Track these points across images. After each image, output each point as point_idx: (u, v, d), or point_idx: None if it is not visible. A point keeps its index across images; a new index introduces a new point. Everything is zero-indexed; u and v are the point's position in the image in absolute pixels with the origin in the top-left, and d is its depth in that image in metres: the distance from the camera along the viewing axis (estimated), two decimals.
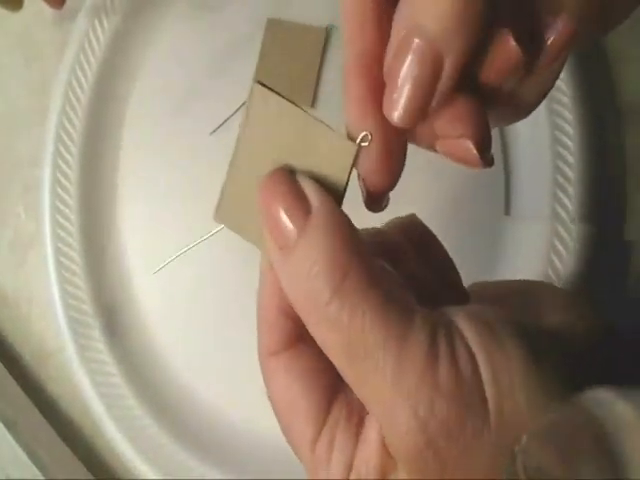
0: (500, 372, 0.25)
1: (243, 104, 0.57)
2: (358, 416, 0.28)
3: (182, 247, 0.57)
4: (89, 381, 0.55)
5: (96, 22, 0.58)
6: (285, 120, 0.29)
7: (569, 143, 0.52)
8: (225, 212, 0.31)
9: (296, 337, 0.30)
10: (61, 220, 0.57)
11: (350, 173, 0.28)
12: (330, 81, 0.57)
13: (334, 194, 0.28)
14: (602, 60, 0.56)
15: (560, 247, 0.51)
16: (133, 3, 0.59)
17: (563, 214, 0.52)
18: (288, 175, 0.28)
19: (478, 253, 0.54)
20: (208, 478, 0.54)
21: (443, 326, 0.26)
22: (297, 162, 0.29)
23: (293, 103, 0.29)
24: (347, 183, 0.29)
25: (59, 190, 0.57)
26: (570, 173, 0.52)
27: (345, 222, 0.27)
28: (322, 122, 0.29)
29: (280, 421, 0.31)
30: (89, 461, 0.58)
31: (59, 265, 0.57)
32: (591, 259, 0.52)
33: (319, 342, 0.27)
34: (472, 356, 0.25)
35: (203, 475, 0.54)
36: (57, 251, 0.57)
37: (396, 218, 0.34)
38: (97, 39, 0.58)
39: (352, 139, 0.28)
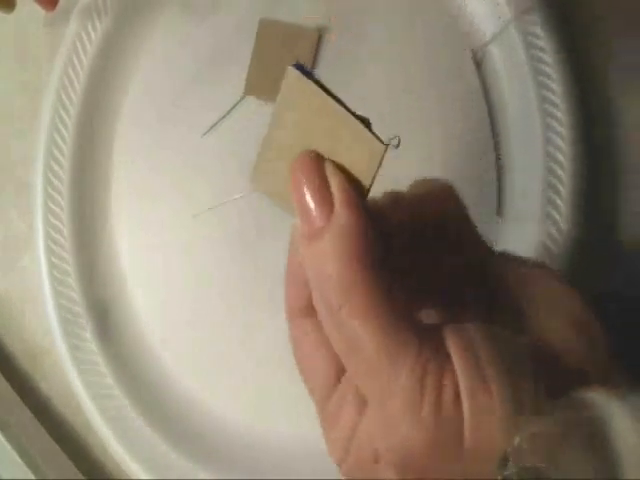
0: (482, 414, 0.26)
1: (234, 106, 0.57)
2: None
3: (175, 247, 0.57)
4: (81, 381, 0.55)
5: (88, 24, 0.58)
6: (317, 107, 0.29)
7: (561, 144, 0.52)
8: (260, 179, 0.31)
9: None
10: (53, 221, 0.57)
11: (376, 174, 0.29)
12: (322, 81, 0.57)
13: (358, 189, 0.29)
14: (595, 60, 0.56)
15: (552, 248, 0.51)
16: (124, 5, 0.59)
17: (555, 215, 0.52)
18: (317, 165, 0.29)
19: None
20: (200, 478, 0.54)
21: (435, 362, 0.27)
22: (325, 149, 0.30)
23: (327, 91, 0.29)
24: (372, 183, 0.29)
25: (51, 191, 0.57)
26: (562, 174, 0.52)
27: (361, 231, 0.28)
28: (353, 116, 0.29)
29: (301, 373, 0.33)
30: (81, 461, 0.58)
31: (51, 265, 0.57)
32: (583, 260, 0.52)
33: (325, 330, 0.29)
34: (457, 397, 0.26)
35: (195, 475, 0.54)
36: (49, 252, 0.57)
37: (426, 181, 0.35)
38: (89, 40, 0.58)
39: (380, 140, 0.29)
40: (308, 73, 0.29)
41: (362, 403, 0.29)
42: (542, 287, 0.33)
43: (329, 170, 0.29)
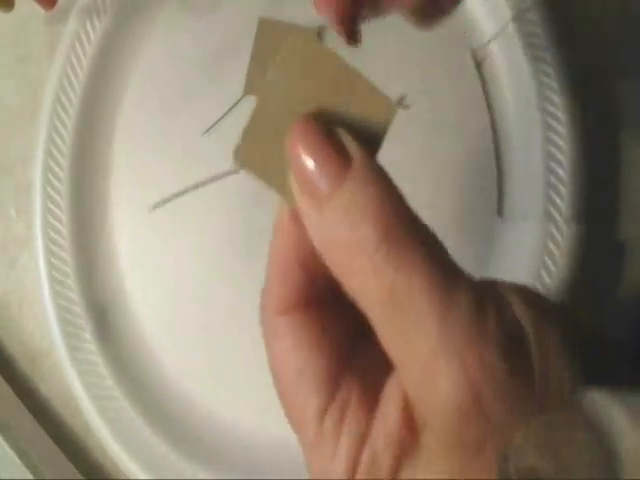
0: (545, 345, 0.24)
1: (233, 106, 0.57)
2: (370, 395, 0.26)
3: (174, 248, 0.57)
4: (80, 382, 0.55)
5: (87, 23, 0.58)
6: (320, 66, 0.27)
7: (561, 143, 0.52)
8: (246, 155, 0.28)
9: (309, 297, 0.28)
10: (52, 221, 0.57)
11: (385, 135, 0.27)
12: None
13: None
14: (596, 59, 0.56)
15: (552, 247, 0.51)
16: (124, 4, 0.59)
17: (555, 214, 0.52)
18: (324, 124, 0.26)
19: (471, 254, 0.54)
20: (200, 478, 0.54)
21: (491, 290, 0.25)
22: (328, 109, 0.27)
23: (331, 50, 0.27)
24: (381, 144, 0.27)
25: (50, 191, 0.57)
26: (562, 173, 0.52)
27: (387, 176, 0.25)
28: (361, 74, 0.27)
29: (281, 389, 0.29)
30: (80, 462, 0.58)
31: (50, 266, 0.57)
32: (584, 259, 0.52)
33: (355, 291, 0.25)
34: (520, 324, 0.24)
35: (195, 476, 0.54)
36: (48, 252, 0.57)
37: None
38: (88, 39, 0.58)
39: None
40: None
41: (372, 401, 0.26)
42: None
43: (338, 127, 0.26)
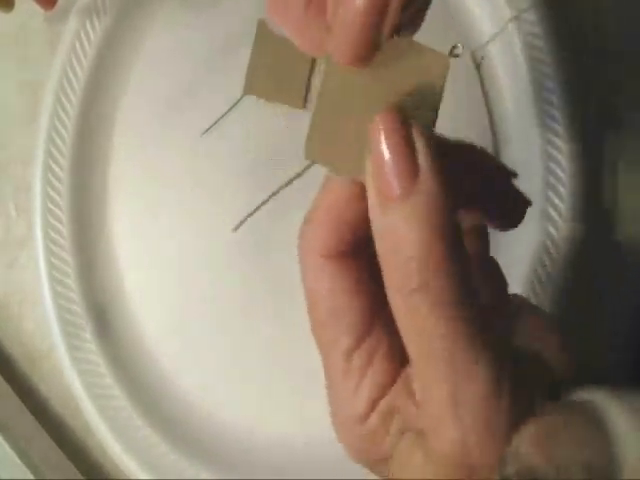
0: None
1: (233, 106, 0.57)
2: (397, 353, 0.28)
3: (173, 248, 0.57)
4: (80, 382, 0.55)
5: (87, 22, 0.58)
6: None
7: (560, 143, 0.52)
8: (315, 148, 0.29)
9: (351, 247, 0.29)
10: (52, 221, 0.57)
11: (444, 86, 0.28)
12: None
13: (428, 111, 0.28)
14: (595, 60, 0.56)
15: (551, 247, 0.51)
16: (124, 3, 0.58)
17: (554, 214, 0.52)
18: (402, 123, 0.27)
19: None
20: (200, 478, 0.54)
21: (509, 357, 0.26)
22: (389, 89, 0.28)
23: None
24: (441, 98, 0.28)
25: (50, 191, 0.57)
26: (561, 174, 0.52)
27: (448, 203, 0.26)
28: (412, 40, 0.28)
29: (316, 321, 0.30)
30: (80, 461, 0.58)
31: (50, 266, 0.57)
32: (583, 259, 0.52)
33: (390, 287, 0.26)
34: (530, 394, 0.25)
35: (194, 475, 0.54)
36: (48, 252, 0.57)
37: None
38: (88, 39, 0.58)
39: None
40: None
41: (397, 360, 0.28)
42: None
43: (415, 131, 0.27)
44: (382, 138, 0.26)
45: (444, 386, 0.25)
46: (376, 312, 0.29)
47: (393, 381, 0.28)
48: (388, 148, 0.26)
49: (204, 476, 0.54)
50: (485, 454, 0.25)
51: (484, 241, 0.33)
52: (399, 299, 0.26)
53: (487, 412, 0.25)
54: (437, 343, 0.25)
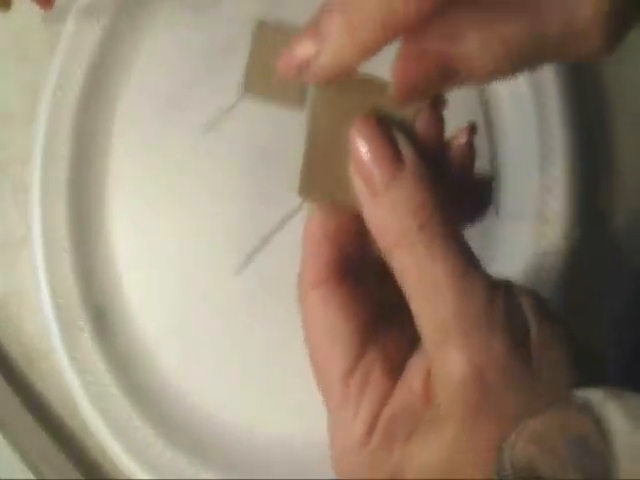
0: (546, 339, 0.28)
1: (233, 105, 0.57)
2: (395, 362, 0.31)
3: (172, 248, 0.57)
4: (79, 382, 0.55)
5: (86, 22, 0.58)
6: (350, 86, 0.31)
7: (556, 144, 0.52)
8: (308, 186, 0.32)
9: (341, 272, 0.32)
10: (51, 221, 0.57)
11: (416, 112, 0.31)
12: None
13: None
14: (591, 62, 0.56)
15: (547, 248, 0.52)
16: (123, 3, 0.58)
17: (550, 215, 0.52)
18: (381, 122, 0.30)
19: None
20: (199, 478, 0.54)
21: (504, 286, 0.29)
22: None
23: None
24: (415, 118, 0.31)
25: (49, 190, 0.57)
26: (557, 174, 0.52)
27: (431, 175, 0.30)
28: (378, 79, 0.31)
29: (312, 351, 0.33)
30: (79, 461, 0.58)
31: (49, 265, 0.57)
32: (577, 260, 0.52)
33: (394, 261, 0.29)
34: (524, 317, 0.28)
35: (194, 475, 0.54)
36: (47, 251, 0.57)
37: None
38: (87, 39, 0.58)
39: None
40: None
41: (391, 373, 0.30)
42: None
43: (392, 124, 0.30)
44: (365, 134, 0.30)
45: (447, 308, 0.28)
46: (369, 333, 0.31)
47: (391, 392, 0.30)
48: (368, 141, 0.30)
49: (204, 476, 0.54)
50: (493, 365, 0.27)
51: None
52: (401, 252, 0.29)
53: (485, 323, 0.28)
54: (435, 274, 0.28)
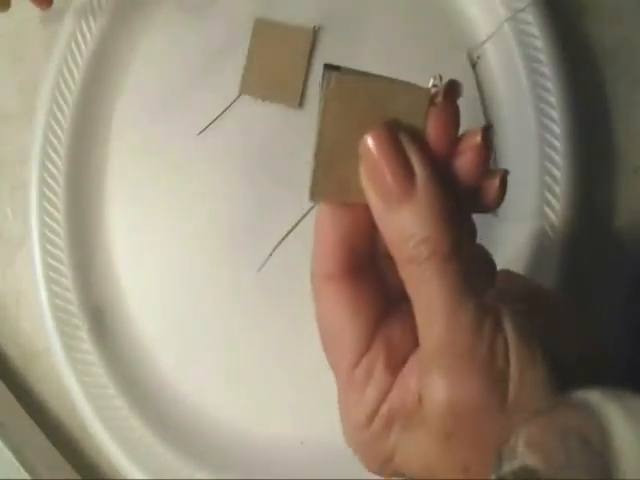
0: (526, 373, 0.29)
1: (230, 105, 0.57)
2: (399, 356, 0.32)
3: (170, 247, 0.57)
4: (76, 382, 0.55)
5: (83, 22, 0.58)
6: (361, 91, 0.30)
7: (556, 143, 0.52)
8: (320, 190, 0.32)
9: (351, 267, 0.33)
10: (48, 221, 0.57)
11: (427, 116, 0.31)
12: (318, 81, 0.57)
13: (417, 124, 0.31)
14: (591, 59, 0.56)
15: (548, 247, 0.52)
16: (120, 3, 0.59)
17: (550, 214, 0.52)
18: (393, 135, 0.30)
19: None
20: (196, 478, 0.54)
21: (492, 315, 0.29)
22: (381, 119, 0.31)
23: (363, 74, 0.31)
24: (425, 126, 0.31)
25: (46, 190, 0.57)
26: (557, 173, 0.52)
27: (442, 191, 0.30)
28: (393, 79, 0.30)
29: (324, 340, 0.34)
30: (76, 461, 0.58)
31: (46, 266, 0.57)
32: (578, 259, 0.52)
33: (403, 275, 0.31)
34: (507, 351, 0.29)
35: (191, 475, 0.54)
36: (44, 252, 0.57)
37: None
38: (84, 39, 0.58)
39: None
40: (337, 68, 0.31)
41: (394, 368, 0.31)
42: (561, 315, 0.35)
43: (404, 138, 0.30)
44: (375, 152, 0.30)
45: (436, 335, 0.29)
46: (375, 327, 0.32)
47: (391, 388, 0.31)
48: (380, 157, 0.30)
49: (201, 476, 0.53)
50: (469, 404, 0.29)
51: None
52: (410, 270, 0.30)
53: (467, 360, 0.29)
54: (432, 300, 0.29)
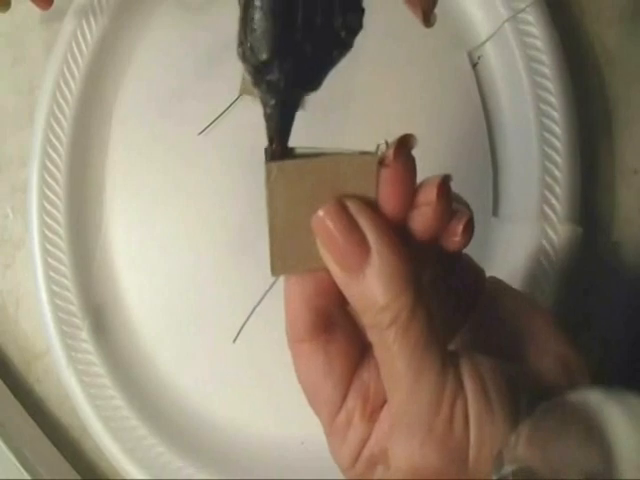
0: (485, 437, 0.29)
1: (230, 105, 0.57)
2: (375, 404, 0.33)
3: (170, 247, 0.57)
4: (77, 382, 0.55)
5: (83, 23, 0.58)
6: (306, 173, 0.31)
7: (557, 144, 0.52)
8: (280, 264, 0.33)
9: (320, 327, 0.33)
10: (48, 221, 0.57)
11: (377, 183, 0.31)
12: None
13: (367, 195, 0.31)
14: (591, 60, 0.56)
15: (548, 248, 0.51)
16: (120, 4, 0.59)
17: (551, 215, 0.52)
18: (342, 208, 0.31)
19: (466, 254, 0.54)
20: (196, 478, 0.54)
21: (453, 374, 0.30)
22: (328, 195, 0.31)
23: (306, 156, 0.31)
24: (377, 192, 0.31)
25: (46, 191, 0.57)
26: (558, 174, 0.52)
27: (398, 258, 0.30)
28: (338, 152, 0.31)
29: (305, 393, 0.35)
30: (76, 462, 0.58)
31: (46, 266, 0.57)
32: (579, 260, 0.52)
33: (370, 337, 0.32)
34: (466, 415, 0.29)
35: (191, 476, 0.54)
36: (44, 252, 0.57)
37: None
38: (84, 39, 0.58)
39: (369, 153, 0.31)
40: (283, 151, 0.32)
41: (370, 417, 0.33)
42: (535, 326, 0.35)
43: (354, 209, 0.31)
44: (327, 227, 0.31)
45: (399, 400, 0.30)
46: (349, 382, 0.33)
47: (369, 434, 0.33)
48: (336, 233, 0.31)
49: (200, 476, 0.53)
50: (427, 470, 0.30)
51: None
52: (375, 335, 0.31)
53: (426, 428, 0.29)
54: (394, 365, 0.30)
